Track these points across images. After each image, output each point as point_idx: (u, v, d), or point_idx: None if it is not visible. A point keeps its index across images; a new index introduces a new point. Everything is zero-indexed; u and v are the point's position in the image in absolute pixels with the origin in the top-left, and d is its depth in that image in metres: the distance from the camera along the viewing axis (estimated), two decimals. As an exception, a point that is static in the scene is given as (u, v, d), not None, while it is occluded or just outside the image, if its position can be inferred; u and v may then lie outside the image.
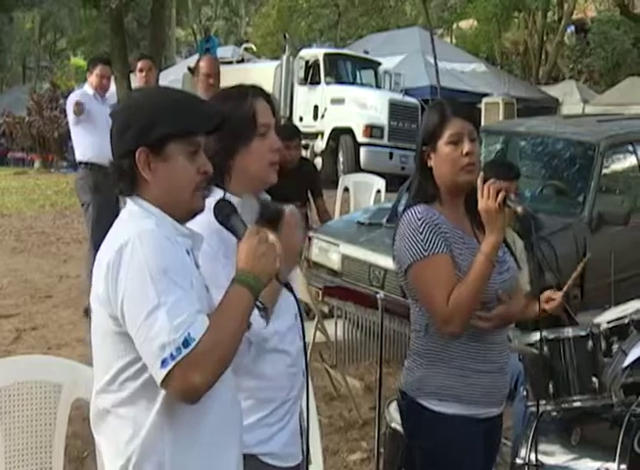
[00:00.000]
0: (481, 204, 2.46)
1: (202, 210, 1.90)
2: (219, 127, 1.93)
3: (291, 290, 1.94)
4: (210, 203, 1.95)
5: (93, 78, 6.71)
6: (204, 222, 1.96)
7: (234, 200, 2.03)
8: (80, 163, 6.69)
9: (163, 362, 1.67)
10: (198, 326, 1.69)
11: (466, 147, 2.52)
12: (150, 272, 1.70)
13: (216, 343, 1.71)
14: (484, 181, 2.47)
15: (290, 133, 5.56)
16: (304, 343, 2.09)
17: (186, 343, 1.67)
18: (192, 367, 1.67)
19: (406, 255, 2.51)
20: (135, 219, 1.83)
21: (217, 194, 2.08)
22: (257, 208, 2.06)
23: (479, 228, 2.58)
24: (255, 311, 1.87)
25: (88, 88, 6.74)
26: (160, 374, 1.69)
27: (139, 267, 1.71)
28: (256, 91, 2.24)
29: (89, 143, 6.52)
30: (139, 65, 6.63)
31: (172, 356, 1.67)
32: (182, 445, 1.81)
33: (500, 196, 2.44)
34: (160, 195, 1.85)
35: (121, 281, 1.73)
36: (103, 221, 6.41)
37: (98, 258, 1.81)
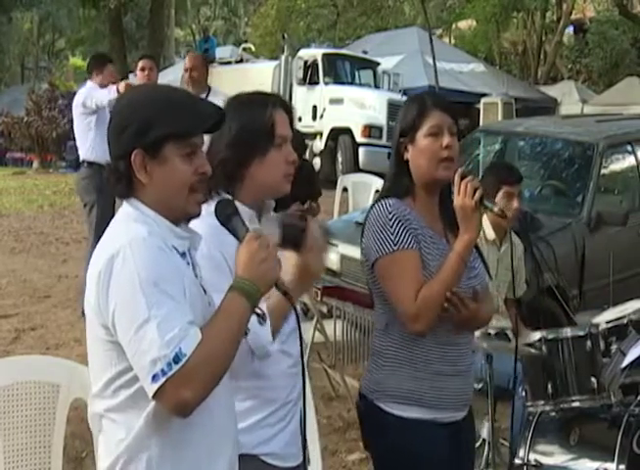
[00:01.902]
0: (457, 201, 2.37)
1: (197, 214, 1.85)
2: (218, 126, 1.88)
3: (289, 300, 1.87)
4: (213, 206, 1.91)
5: (104, 77, 6.52)
6: (206, 224, 1.93)
7: (242, 210, 1.97)
8: (84, 161, 6.59)
9: (154, 377, 1.66)
10: (189, 340, 1.66)
11: (446, 139, 2.43)
12: (140, 284, 1.68)
13: (209, 356, 1.68)
14: (462, 178, 2.38)
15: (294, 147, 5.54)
16: (301, 344, 2.06)
17: (177, 358, 1.65)
18: (183, 383, 1.65)
19: (374, 248, 2.42)
20: (128, 223, 1.80)
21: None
22: (279, 230, 2.02)
23: (451, 232, 2.48)
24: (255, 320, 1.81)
25: (95, 87, 6.53)
26: (151, 389, 1.68)
27: (130, 279, 1.68)
28: (277, 101, 2.20)
29: (97, 142, 6.41)
30: (140, 63, 6.46)
31: (163, 372, 1.65)
32: (170, 450, 1.80)
33: (477, 194, 2.35)
34: (156, 197, 1.80)
35: (112, 293, 1.70)
36: (107, 222, 6.36)
37: (91, 263, 1.78)
